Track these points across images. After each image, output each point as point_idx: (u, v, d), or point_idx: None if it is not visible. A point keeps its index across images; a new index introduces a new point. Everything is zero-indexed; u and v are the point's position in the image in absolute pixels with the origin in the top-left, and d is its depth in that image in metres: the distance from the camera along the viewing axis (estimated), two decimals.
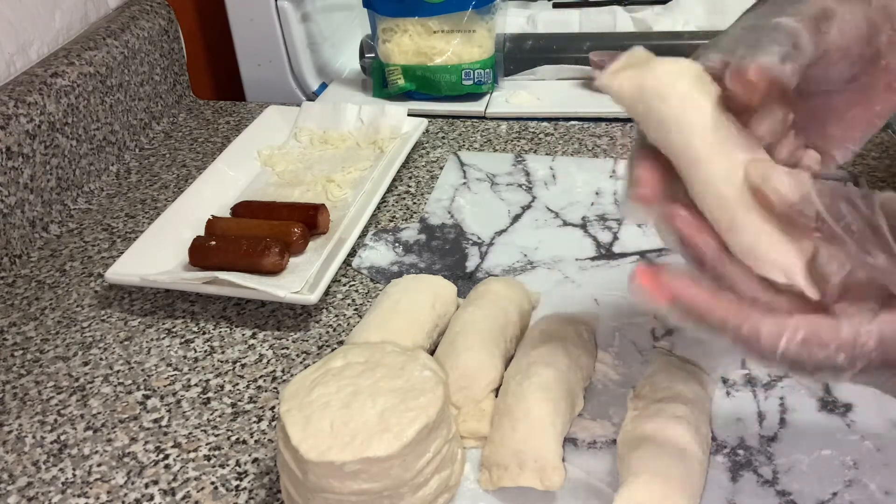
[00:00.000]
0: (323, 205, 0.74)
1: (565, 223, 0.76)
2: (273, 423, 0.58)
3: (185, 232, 0.72)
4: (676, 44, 1.00)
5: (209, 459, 0.55)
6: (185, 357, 0.64)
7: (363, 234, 0.76)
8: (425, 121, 0.90)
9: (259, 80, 1.08)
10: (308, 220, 0.73)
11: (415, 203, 0.81)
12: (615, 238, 0.73)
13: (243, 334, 0.66)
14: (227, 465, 0.55)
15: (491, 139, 0.92)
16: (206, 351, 0.64)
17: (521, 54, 1.02)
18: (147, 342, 0.66)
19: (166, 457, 0.56)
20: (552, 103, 0.97)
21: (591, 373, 0.57)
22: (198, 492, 0.53)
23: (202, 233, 0.73)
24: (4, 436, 0.58)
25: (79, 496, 0.53)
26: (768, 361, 0.35)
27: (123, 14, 0.97)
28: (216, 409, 0.59)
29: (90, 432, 0.58)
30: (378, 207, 0.80)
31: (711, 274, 0.38)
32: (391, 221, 0.78)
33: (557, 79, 1.02)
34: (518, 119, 0.95)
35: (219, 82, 1.23)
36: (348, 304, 0.68)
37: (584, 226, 0.75)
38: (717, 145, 0.37)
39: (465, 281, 0.69)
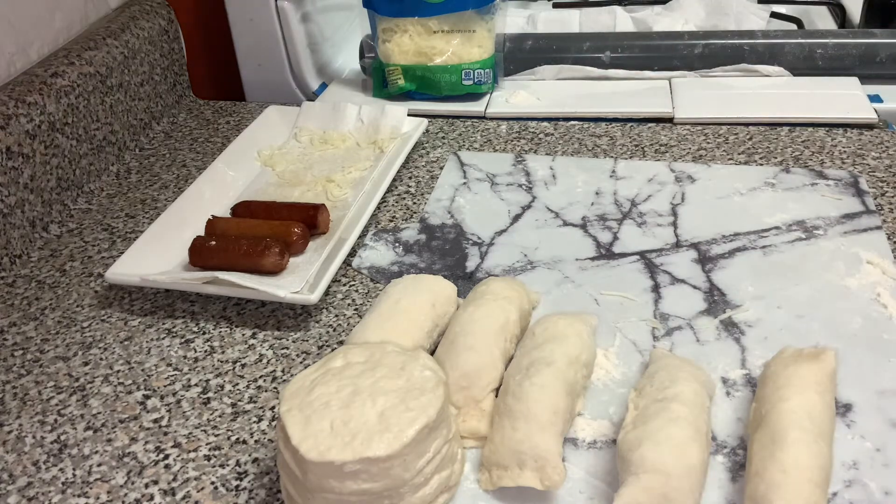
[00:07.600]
0: (323, 205, 0.74)
1: (565, 223, 0.76)
2: (273, 423, 0.58)
3: (185, 232, 0.72)
4: (676, 44, 1.00)
5: (209, 459, 0.55)
6: (185, 357, 0.64)
7: (363, 234, 0.76)
8: (425, 121, 0.90)
9: (259, 80, 1.08)
10: (308, 220, 0.73)
11: (415, 203, 0.81)
12: (615, 238, 0.73)
13: (243, 334, 0.66)
14: (227, 465, 0.55)
15: (491, 139, 0.92)
16: (206, 351, 0.64)
17: (521, 54, 1.02)
18: (147, 342, 0.66)
19: (166, 457, 0.56)
20: (552, 103, 0.97)
21: (591, 372, 0.57)
22: (198, 492, 0.53)
23: (202, 233, 0.73)
24: (4, 436, 0.58)
25: (79, 496, 0.53)
26: None
27: (123, 14, 0.97)
28: (216, 409, 0.59)
29: (90, 432, 0.58)
30: (378, 207, 0.80)
31: None
32: (391, 221, 0.78)
33: (557, 79, 1.02)
34: (518, 119, 0.95)
35: (219, 82, 1.23)
36: (348, 304, 0.68)
37: (584, 226, 0.75)
38: None
39: (465, 281, 0.69)
